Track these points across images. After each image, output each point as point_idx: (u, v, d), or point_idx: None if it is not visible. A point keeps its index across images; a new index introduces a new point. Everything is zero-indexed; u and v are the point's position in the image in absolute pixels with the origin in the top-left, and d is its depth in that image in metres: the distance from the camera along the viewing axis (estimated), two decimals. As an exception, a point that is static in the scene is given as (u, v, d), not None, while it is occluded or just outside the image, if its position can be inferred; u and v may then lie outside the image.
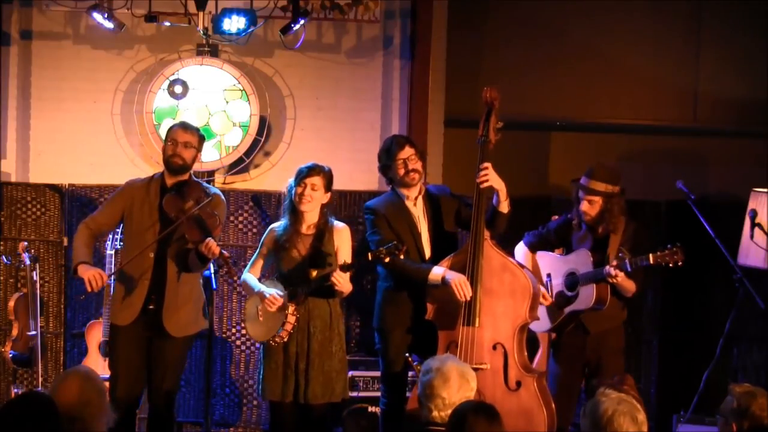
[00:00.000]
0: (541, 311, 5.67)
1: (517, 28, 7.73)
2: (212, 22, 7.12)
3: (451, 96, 7.51)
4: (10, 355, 6.67)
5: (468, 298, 5.48)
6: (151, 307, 5.55)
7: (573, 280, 5.68)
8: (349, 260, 5.56)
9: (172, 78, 7.19)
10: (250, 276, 5.72)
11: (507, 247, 5.77)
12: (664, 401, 7.17)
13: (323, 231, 5.65)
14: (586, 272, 5.59)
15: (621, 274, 5.46)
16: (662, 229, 7.15)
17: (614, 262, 5.47)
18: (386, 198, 5.84)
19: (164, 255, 5.54)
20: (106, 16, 6.99)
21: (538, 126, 7.76)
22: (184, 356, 5.75)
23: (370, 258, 5.43)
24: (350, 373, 6.23)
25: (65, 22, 7.37)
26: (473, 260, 5.52)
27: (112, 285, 5.90)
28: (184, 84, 7.18)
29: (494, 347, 5.51)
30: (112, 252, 6.62)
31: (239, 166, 7.37)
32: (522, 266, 5.62)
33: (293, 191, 5.63)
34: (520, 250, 5.90)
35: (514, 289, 5.51)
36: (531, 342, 5.93)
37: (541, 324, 5.75)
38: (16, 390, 6.78)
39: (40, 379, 6.58)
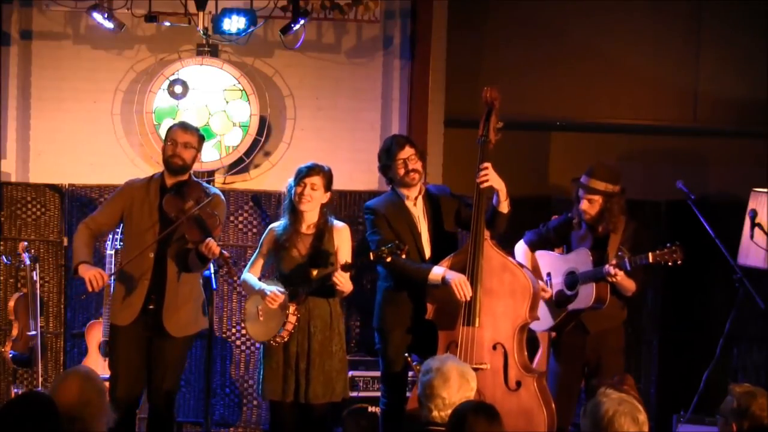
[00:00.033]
0: (541, 311, 5.66)
1: (517, 28, 7.73)
2: (212, 22, 7.12)
3: (451, 96, 7.51)
4: (10, 355, 6.67)
5: (468, 298, 5.47)
6: (151, 307, 5.55)
7: (573, 279, 5.67)
8: (349, 260, 5.55)
9: (172, 78, 7.19)
10: (250, 276, 5.71)
11: (507, 247, 5.76)
12: (664, 401, 7.17)
13: (323, 231, 5.64)
14: (585, 271, 5.59)
15: (620, 273, 5.46)
16: (662, 229, 7.14)
17: (614, 261, 5.47)
18: (386, 198, 5.84)
19: (164, 255, 5.54)
20: (106, 16, 6.98)
21: (538, 126, 7.76)
22: (184, 356, 5.74)
23: (372, 258, 5.42)
24: (350, 373, 6.22)
25: (65, 22, 7.37)
26: (473, 260, 5.51)
27: (112, 285, 5.89)
28: (184, 84, 7.18)
29: (494, 347, 5.50)
30: (112, 252, 6.61)
31: (239, 166, 7.37)
32: (522, 266, 5.62)
33: (293, 191, 5.62)
34: (520, 248, 5.90)
35: (514, 289, 5.51)
36: (531, 342, 5.93)
37: (541, 323, 5.74)
38: (16, 390, 6.77)
39: (40, 379, 6.58)
